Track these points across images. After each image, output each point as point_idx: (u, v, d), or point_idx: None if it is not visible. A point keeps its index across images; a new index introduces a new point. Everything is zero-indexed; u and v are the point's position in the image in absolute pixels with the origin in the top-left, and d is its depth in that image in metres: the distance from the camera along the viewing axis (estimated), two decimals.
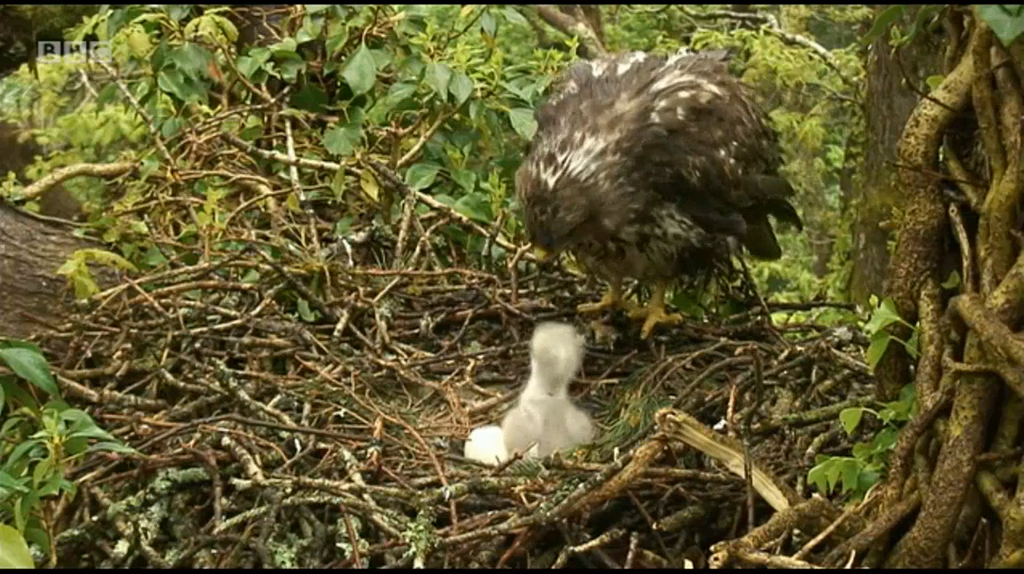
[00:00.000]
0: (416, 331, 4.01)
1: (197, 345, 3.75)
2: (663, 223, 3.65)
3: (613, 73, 3.71)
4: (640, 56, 3.83)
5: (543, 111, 3.77)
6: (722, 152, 3.70)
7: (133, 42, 4.79)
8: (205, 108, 4.90)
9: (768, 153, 3.94)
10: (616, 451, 3.08)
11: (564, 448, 3.22)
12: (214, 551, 2.91)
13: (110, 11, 5.02)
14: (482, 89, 4.83)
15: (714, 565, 2.39)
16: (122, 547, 2.92)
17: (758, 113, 3.91)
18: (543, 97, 4.90)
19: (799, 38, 11.45)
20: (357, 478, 3.03)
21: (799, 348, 3.70)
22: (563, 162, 3.43)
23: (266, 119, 4.97)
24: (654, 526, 2.81)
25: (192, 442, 3.20)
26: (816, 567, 2.47)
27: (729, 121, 3.73)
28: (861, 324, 3.92)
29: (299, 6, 5.18)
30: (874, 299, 2.79)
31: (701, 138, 3.65)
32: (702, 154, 3.65)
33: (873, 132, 8.63)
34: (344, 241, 4.38)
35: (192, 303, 3.93)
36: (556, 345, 3.41)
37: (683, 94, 3.64)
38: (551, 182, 3.42)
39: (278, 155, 4.79)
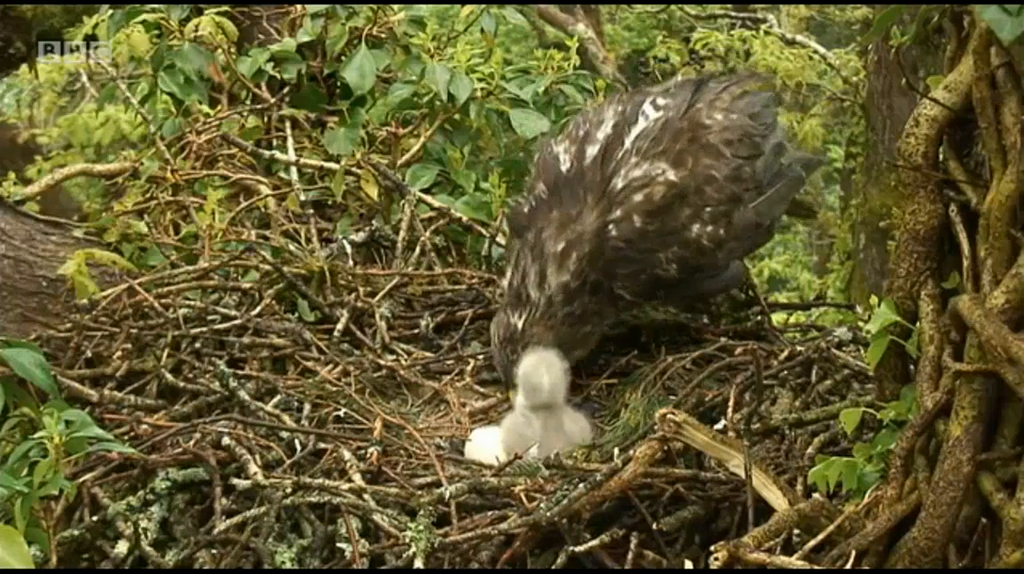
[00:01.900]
0: (416, 331, 4.01)
1: (197, 345, 3.75)
2: (647, 315, 3.71)
3: (580, 163, 3.65)
4: (609, 123, 3.72)
5: (516, 218, 3.76)
6: (695, 228, 3.63)
7: (133, 42, 4.78)
8: (205, 108, 4.89)
9: (758, 173, 3.77)
10: (616, 451, 3.08)
11: (564, 449, 3.22)
12: (214, 551, 2.91)
13: (110, 11, 5.02)
14: (482, 89, 4.83)
15: (714, 565, 2.39)
16: (122, 547, 2.91)
17: (737, 136, 3.73)
18: (543, 96, 4.91)
19: (799, 38, 11.43)
20: (357, 478, 3.03)
21: (799, 348, 3.69)
22: (528, 306, 3.55)
23: (266, 119, 4.96)
24: (654, 526, 2.81)
25: (192, 442, 3.19)
26: (816, 567, 2.46)
27: (695, 191, 3.63)
28: (861, 324, 3.91)
29: (299, 6, 5.18)
30: (874, 299, 2.79)
31: (666, 229, 3.59)
32: (672, 244, 3.60)
33: (873, 132, 8.62)
34: (344, 241, 4.38)
35: (192, 303, 3.92)
36: (540, 373, 3.39)
37: (637, 197, 3.57)
38: (520, 324, 3.54)
39: (278, 155, 4.79)
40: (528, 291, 3.55)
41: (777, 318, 4.53)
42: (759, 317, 4.14)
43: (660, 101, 3.79)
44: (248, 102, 5.03)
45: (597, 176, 3.61)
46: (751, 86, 4.00)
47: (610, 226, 3.56)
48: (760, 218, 3.80)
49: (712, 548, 2.43)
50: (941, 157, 2.60)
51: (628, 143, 3.66)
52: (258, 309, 3.89)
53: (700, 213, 3.63)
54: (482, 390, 3.76)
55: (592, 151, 3.67)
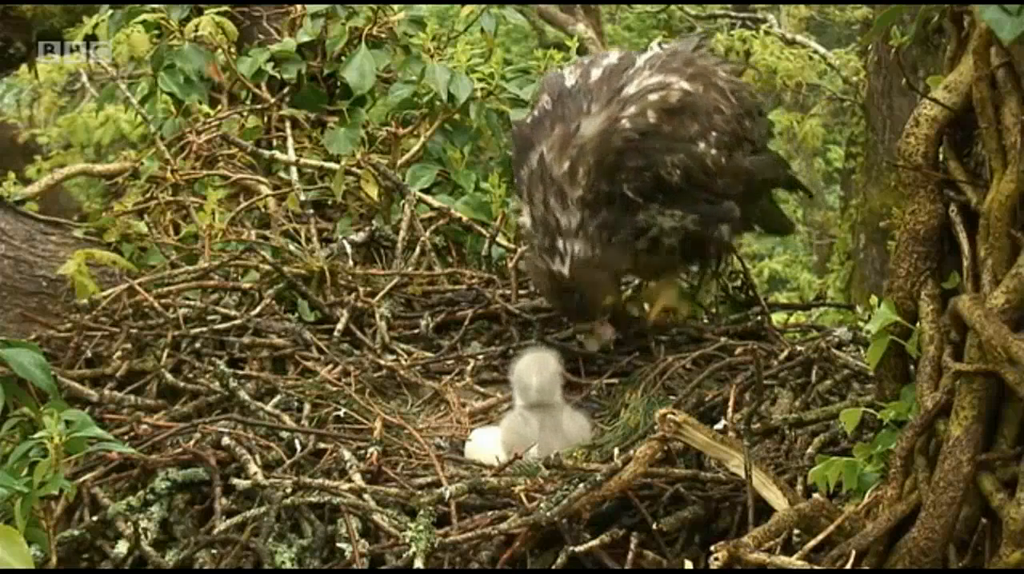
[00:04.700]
0: (416, 331, 4.01)
1: (197, 345, 3.75)
2: (655, 221, 3.67)
3: (585, 81, 3.72)
4: (614, 57, 3.83)
5: (519, 131, 3.81)
6: (701, 145, 3.70)
7: (133, 42, 4.78)
8: (205, 108, 4.90)
9: (754, 133, 3.93)
10: (616, 451, 3.07)
11: (563, 449, 3.22)
12: (214, 551, 2.91)
13: (110, 11, 5.02)
14: (482, 89, 4.83)
15: (714, 565, 2.39)
16: (122, 547, 2.91)
17: (739, 94, 3.88)
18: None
19: (799, 38, 11.44)
20: (357, 478, 3.03)
21: (799, 348, 3.70)
22: (566, 248, 3.57)
23: (266, 119, 4.97)
24: (654, 526, 2.81)
25: (192, 442, 3.19)
26: (816, 567, 2.46)
27: (705, 113, 3.72)
28: (861, 324, 3.92)
29: (299, 6, 5.18)
30: (874, 299, 2.79)
31: (676, 135, 3.65)
32: (679, 151, 3.64)
33: (873, 132, 8.62)
34: (344, 241, 4.38)
35: (192, 303, 3.92)
36: (530, 373, 3.40)
37: (652, 96, 3.64)
38: (565, 270, 3.58)
39: (278, 155, 4.79)
40: (556, 221, 3.57)
41: (777, 318, 4.53)
42: (759, 317, 4.14)
43: (665, 45, 3.95)
44: (248, 102, 5.03)
45: (604, 87, 3.68)
46: (739, 70, 4.24)
47: (623, 120, 3.60)
48: (753, 169, 3.90)
49: (712, 548, 2.42)
50: (941, 157, 2.60)
51: (640, 62, 3.76)
52: (258, 309, 3.90)
53: (707, 134, 3.71)
54: (482, 390, 3.76)
55: (597, 72, 3.75)
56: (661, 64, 3.74)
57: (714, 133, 3.72)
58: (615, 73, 3.72)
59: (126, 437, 3.30)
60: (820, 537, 2.52)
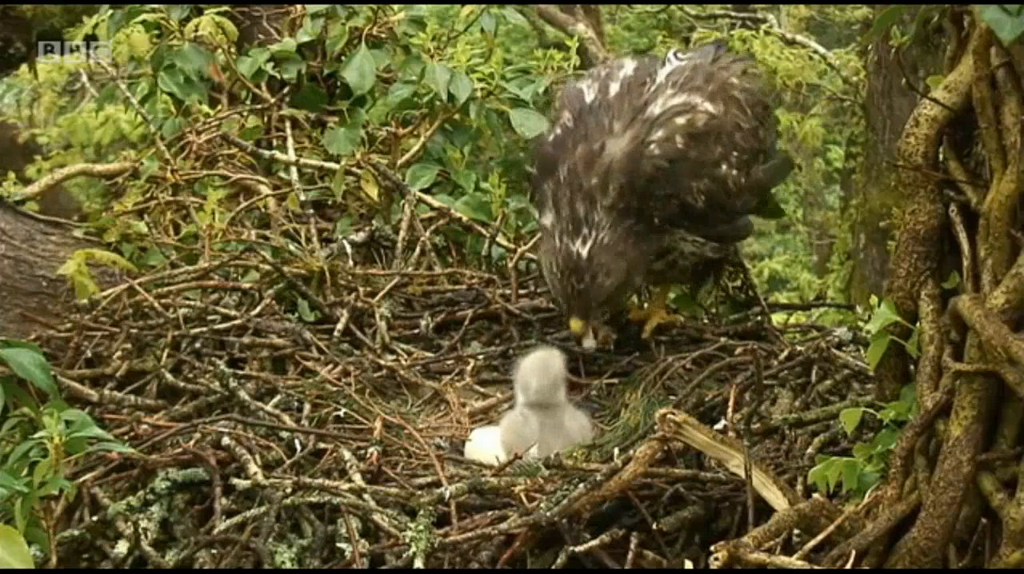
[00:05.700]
0: (416, 331, 4.02)
1: (197, 345, 3.75)
2: (678, 246, 3.70)
3: (605, 96, 3.71)
4: (629, 68, 3.82)
5: (541, 150, 3.78)
6: (723, 167, 3.70)
7: (133, 42, 4.78)
8: (205, 108, 4.90)
9: (767, 141, 3.94)
10: (616, 451, 3.08)
11: (563, 449, 3.22)
12: (214, 551, 2.91)
13: (110, 11, 5.02)
14: (482, 89, 4.83)
15: (714, 565, 2.39)
16: (122, 547, 2.91)
17: (752, 102, 3.87)
18: (543, 96, 4.91)
19: (799, 38, 11.44)
20: (357, 478, 3.03)
21: (799, 348, 3.70)
22: (591, 233, 3.52)
23: (266, 119, 4.97)
24: (654, 526, 2.81)
25: (192, 442, 3.19)
26: (816, 567, 2.46)
27: (727, 133, 3.72)
28: (861, 324, 3.92)
29: (299, 6, 5.19)
30: (874, 299, 2.79)
31: (702, 160, 3.65)
32: (704, 176, 3.65)
33: (873, 132, 8.62)
34: (344, 241, 4.38)
35: (192, 303, 3.93)
36: (532, 373, 3.40)
37: (679, 120, 3.64)
38: (584, 251, 3.51)
39: (278, 155, 4.79)
40: (584, 213, 3.53)
41: (777, 318, 4.53)
42: (759, 317, 4.14)
43: (681, 55, 3.93)
44: (248, 102, 5.03)
45: (624, 104, 3.66)
46: (751, 66, 4.20)
47: (651, 145, 3.60)
48: (766, 180, 3.93)
49: (712, 548, 2.42)
50: (941, 157, 2.60)
51: (661, 78, 3.74)
52: (258, 309, 3.90)
53: (729, 155, 3.72)
54: (482, 390, 3.76)
55: (615, 87, 3.74)
56: (684, 82, 3.72)
57: (735, 153, 3.73)
58: (634, 87, 3.71)
59: (126, 437, 3.30)
60: (820, 537, 2.52)
